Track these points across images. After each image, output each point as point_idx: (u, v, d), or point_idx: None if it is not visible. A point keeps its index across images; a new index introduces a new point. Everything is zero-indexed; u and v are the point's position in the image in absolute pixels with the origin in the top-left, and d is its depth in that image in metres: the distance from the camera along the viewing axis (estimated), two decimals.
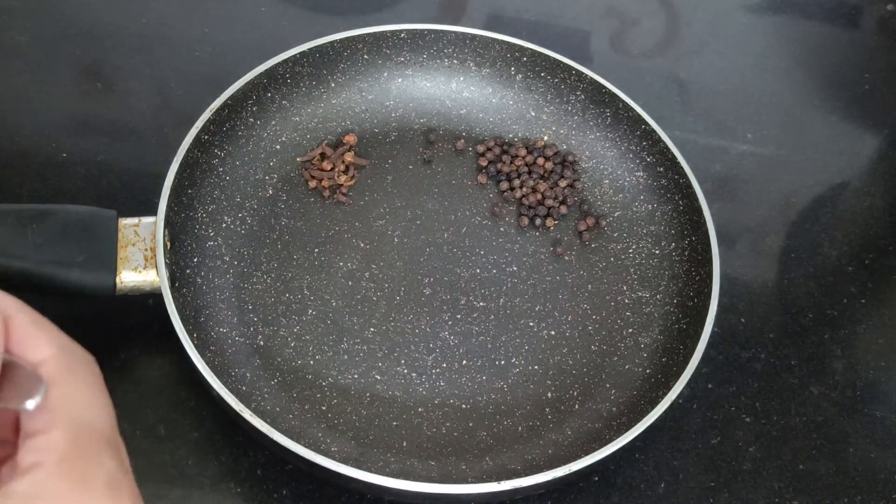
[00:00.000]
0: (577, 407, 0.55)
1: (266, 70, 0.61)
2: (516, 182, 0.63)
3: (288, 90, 0.63)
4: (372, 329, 0.56)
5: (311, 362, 0.55)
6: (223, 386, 0.48)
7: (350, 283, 0.58)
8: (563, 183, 0.63)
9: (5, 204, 0.52)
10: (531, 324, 0.58)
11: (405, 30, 0.64)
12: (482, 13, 0.77)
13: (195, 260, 0.56)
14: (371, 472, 0.47)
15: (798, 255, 0.66)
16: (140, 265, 0.52)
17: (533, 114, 0.66)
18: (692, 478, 0.55)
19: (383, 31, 0.64)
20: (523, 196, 0.63)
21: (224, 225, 0.59)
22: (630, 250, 0.62)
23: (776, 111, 0.74)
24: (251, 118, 0.61)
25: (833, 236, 0.67)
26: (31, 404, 0.34)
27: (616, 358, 0.57)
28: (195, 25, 0.72)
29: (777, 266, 0.65)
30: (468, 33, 0.65)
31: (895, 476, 0.56)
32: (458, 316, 0.58)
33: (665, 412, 0.50)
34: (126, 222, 0.53)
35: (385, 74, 0.65)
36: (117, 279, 0.51)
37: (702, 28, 0.80)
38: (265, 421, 0.48)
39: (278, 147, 0.63)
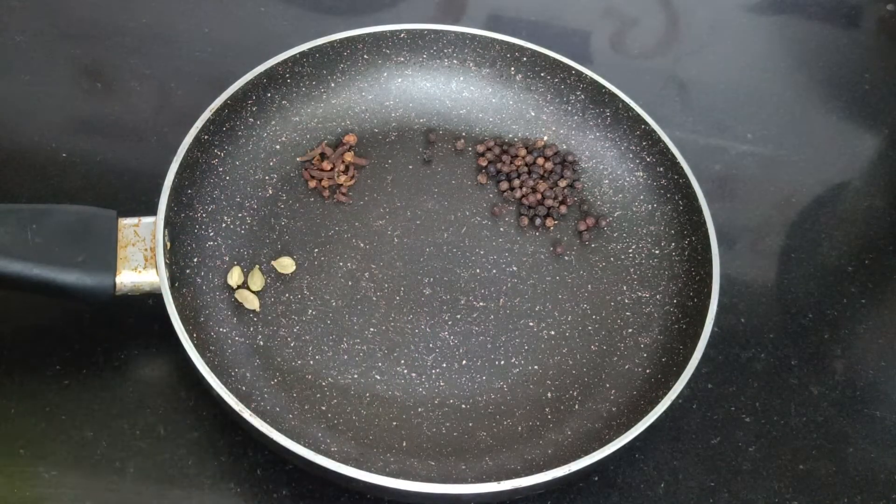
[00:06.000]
0: (577, 407, 0.55)
1: (266, 70, 0.61)
2: (516, 182, 0.63)
3: (288, 90, 0.63)
4: (372, 329, 0.56)
5: (311, 362, 0.55)
6: (223, 386, 0.48)
7: (350, 283, 0.58)
8: (562, 183, 0.64)
9: (5, 204, 0.52)
10: (531, 324, 0.58)
11: (405, 30, 0.64)
12: (482, 13, 0.77)
13: (195, 260, 0.56)
14: (371, 472, 0.47)
15: (798, 255, 0.66)
16: (140, 265, 0.52)
17: (533, 114, 0.66)
18: (692, 478, 0.55)
19: (383, 31, 0.64)
20: (523, 196, 0.63)
21: (224, 225, 0.59)
22: (630, 250, 0.62)
23: (776, 111, 0.74)
24: (251, 118, 0.61)
25: (833, 236, 0.67)
26: None
27: (616, 358, 0.57)
28: (195, 25, 0.72)
29: (777, 266, 0.65)
30: (468, 33, 0.65)
31: (895, 476, 0.56)
32: (458, 316, 0.58)
33: (665, 412, 0.50)
34: (126, 222, 0.53)
35: (385, 74, 0.65)
36: (117, 279, 0.51)
37: (702, 28, 0.80)
38: (265, 421, 0.48)
39: (278, 147, 0.63)
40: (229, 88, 0.59)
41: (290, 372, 0.54)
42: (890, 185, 0.71)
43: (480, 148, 0.65)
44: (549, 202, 0.63)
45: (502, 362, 0.56)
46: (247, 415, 0.48)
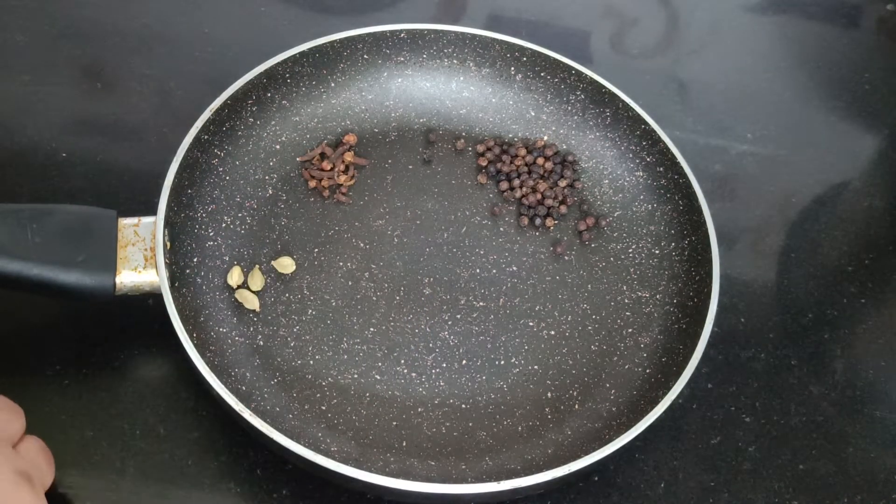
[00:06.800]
0: (577, 407, 0.55)
1: (266, 70, 0.61)
2: (516, 182, 0.63)
3: (288, 90, 0.63)
4: (372, 329, 0.56)
5: (311, 362, 0.55)
6: (223, 386, 0.48)
7: (350, 283, 0.58)
8: (562, 183, 0.64)
9: (5, 204, 0.52)
10: (531, 324, 0.58)
11: (405, 30, 0.64)
12: (482, 13, 0.77)
13: (195, 260, 0.56)
14: (371, 472, 0.47)
15: (798, 255, 0.66)
16: (140, 265, 0.52)
17: (533, 114, 0.66)
18: (692, 478, 0.55)
19: (383, 31, 0.64)
20: (523, 196, 0.63)
21: (224, 225, 0.59)
22: (630, 250, 0.62)
23: (776, 111, 0.74)
24: (251, 118, 0.61)
25: (833, 236, 0.67)
26: None
27: (616, 358, 0.57)
28: (195, 25, 0.72)
29: (777, 266, 0.65)
30: (468, 33, 0.65)
31: (895, 476, 0.56)
32: (458, 316, 0.58)
33: (665, 412, 0.50)
34: (126, 222, 0.53)
35: (385, 74, 0.65)
36: (117, 279, 0.51)
37: (702, 28, 0.80)
38: (265, 421, 0.48)
39: (278, 147, 0.63)
40: (229, 88, 0.59)
41: (290, 372, 0.54)
42: (890, 185, 0.71)
43: (480, 148, 0.65)
44: (549, 202, 0.63)
45: (502, 362, 0.56)
46: (247, 415, 0.48)
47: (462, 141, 0.65)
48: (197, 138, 0.57)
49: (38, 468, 0.44)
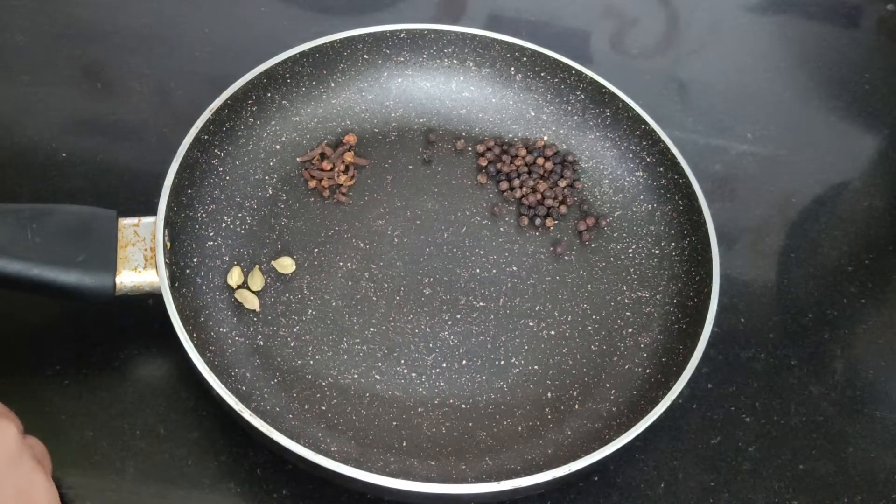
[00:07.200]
0: (577, 407, 0.55)
1: (266, 70, 0.61)
2: (516, 182, 0.63)
3: (288, 90, 0.63)
4: (372, 329, 0.56)
5: (311, 362, 0.55)
6: (223, 386, 0.48)
7: (350, 283, 0.58)
8: (562, 183, 0.64)
9: (5, 204, 0.52)
10: (531, 324, 0.58)
11: (405, 30, 0.64)
12: (482, 13, 0.77)
13: (195, 260, 0.56)
14: (371, 472, 0.47)
15: (798, 255, 0.66)
16: (140, 265, 0.52)
17: (533, 114, 0.66)
18: (692, 478, 0.55)
19: (383, 31, 0.64)
20: (523, 196, 0.63)
21: (224, 225, 0.59)
22: (630, 250, 0.62)
23: (776, 111, 0.74)
24: (251, 118, 0.61)
25: (833, 236, 0.67)
26: None
27: (616, 358, 0.57)
28: (195, 25, 0.72)
29: (777, 266, 0.65)
30: (468, 33, 0.65)
31: (895, 476, 0.56)
32: (458, 316, 0.58)
33: (665, 412, 0.50)
34: (126, 222, 0.53)
35: (385, 74, 0.65)
36: (117, 279, 0.51)
37: (702, 28, 0.80)
38: (265, 421, 0.48)
39: (278, 147, 0.63)
40: (229, 88, 0.59)
41: (290, 372, 0.54)
42: (890, 185, 0.71)
43: (480, 148, 0.65)
44: (549, 202, 0.63)
45: (502, 362, 0.56)
46: (247, 415, 0.48)
47: (462, 141, 0.65)
48: (197, 138, 0.57)
49: (45, 458, 0.46)
